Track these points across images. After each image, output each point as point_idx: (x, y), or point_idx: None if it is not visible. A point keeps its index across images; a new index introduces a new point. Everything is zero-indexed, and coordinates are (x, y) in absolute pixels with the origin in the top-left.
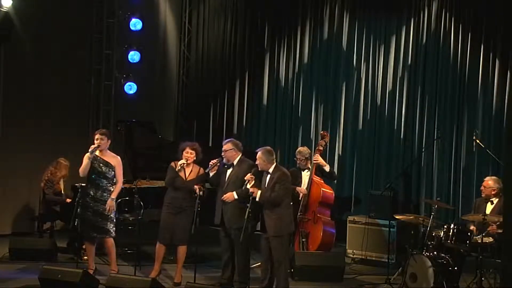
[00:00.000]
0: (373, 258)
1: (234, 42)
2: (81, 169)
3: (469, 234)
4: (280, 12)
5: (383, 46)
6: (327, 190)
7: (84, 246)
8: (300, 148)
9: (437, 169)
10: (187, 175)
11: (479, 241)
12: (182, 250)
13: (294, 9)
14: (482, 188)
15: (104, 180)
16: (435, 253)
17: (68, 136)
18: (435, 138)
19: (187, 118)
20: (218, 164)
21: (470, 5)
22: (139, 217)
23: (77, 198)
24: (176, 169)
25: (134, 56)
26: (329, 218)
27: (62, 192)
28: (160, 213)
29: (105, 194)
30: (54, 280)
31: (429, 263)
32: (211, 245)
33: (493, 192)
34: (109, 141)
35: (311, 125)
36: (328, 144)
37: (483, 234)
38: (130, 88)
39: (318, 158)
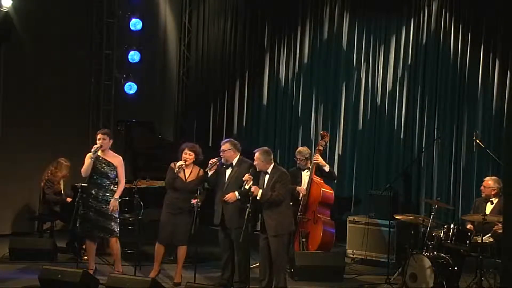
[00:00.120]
0: (373, 258)
1: (234, 42)
2: (83, 169)
3: (469, 234)
4: (280, 12)
5: (383, 46)
6: (327, 190)
7: (84, 246)
8: (300, 148)
9: (437, 169)
10: (187, 176)
11: (479, 241)
12: (182, 250)
13: (294, 9)
14: (482, 188)
15: (106, 180)
16: (435, 253)
17: (68, 136)
18: (435, 138)
19: (187, 118)
20: (218, 163)
21: (470, 5)
22: (139, 217)
23: (77, 198)
24: (175, 171)
25: (134, 56)
26: (329, 218)
27: (62, 192)
28: (160, 213)
29: (107, 194)
30: (54, 280)
31: (429, 263)
32: (211, 245)
33: (493, 192)
34: (111, 141)
35: (311, 125)
36: (328, 144)
37: (489, 235)
38: (130, 88)
39: (318, 158)
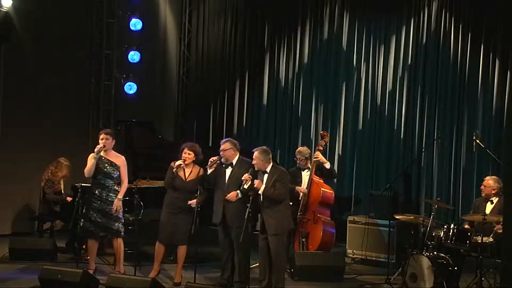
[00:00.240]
0: (373, 258)
1: (234, 42)
2: (86, 170)
3: (469, 234)
4: (280, 12)
5: (383, 46)
6: (327, 190)
7: (84, 246)
8: (300, 148)
9: (437, 169)
10: (187, 175)
11: (479, 241)
12: (182, 250)
13: (294, 9)
14: (482, 187)
15: (110, 180)
16: (435, 253)
17: (68, 136)
18: (435, 138)
19: (187, 118)
20: (218, 162)
21: (470, 5)
22: (139, 217)
23: (77, 198)
24: (174, 170)
25: (134, 56)
26: (329, 218)
27: (63, 191)
28: (160, 213)
29: (111, 194)
30: (54, 280)
31: (429, 263)
32: (211, 245)
33: (493, 192)
34: (114, 141)
35: (311, 125)
36: (328, 144)
37: (492, 235)
38: (130, 88)
39: (319, 155)
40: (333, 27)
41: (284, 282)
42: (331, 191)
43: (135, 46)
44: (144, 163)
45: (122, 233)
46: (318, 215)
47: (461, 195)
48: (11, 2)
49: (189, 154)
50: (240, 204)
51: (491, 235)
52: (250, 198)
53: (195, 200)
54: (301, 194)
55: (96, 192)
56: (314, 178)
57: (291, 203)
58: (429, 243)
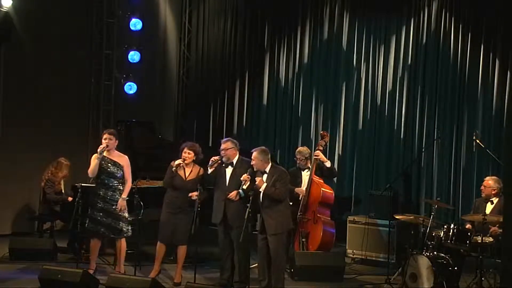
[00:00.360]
0: (373, 258)
1: (234, 42)
2: (90, 170)
3: (469, 234)
4: (280, 12)
5: (383, 46)
6: (327, 190)
7: (84, 246)
8: (300, 148)
9: (437, 169)
10: (187, 175)
11: (479, 241)
12: (182, 250)
13: (294, 9)
14: (482, 187)
15: (114, 180)
16: (435, 253)
17: (68, 136)
18: (435, 138)
19: (187, 118)
20: (219, 161)
21: (470, 5)
22: (139, 217)
23: (77, 198)
24: (173, 169)
25: (134, 56)
26: (329, 218)
27: (63, 191)
28: (160, 213)
29: (115, 194)
30: (54, 280)
31: (429, 263)
32: (211, 245)
33: (493, 192)
34: (117, 141)
35: (311, 125)
36: (328, 144)
37: (488, 235)
38: (130, 88)
39: (319, 154)
40: (333, 27)
41: (284, 282)
42: (331, 191)
43: (135, 46)
44: (144, 163)
45: (127, 233)
46: (318, 215)
47: (461, 195)
48: (11, 2)
49: (189, 153)
50: (240, 204)
51: (488, 235)
52: (250, 198)
53: (196, 192)
54: (300, 195)
55: (100, 192)
56: (314, 178)
57: (291, 203)
58: (429, 243)
